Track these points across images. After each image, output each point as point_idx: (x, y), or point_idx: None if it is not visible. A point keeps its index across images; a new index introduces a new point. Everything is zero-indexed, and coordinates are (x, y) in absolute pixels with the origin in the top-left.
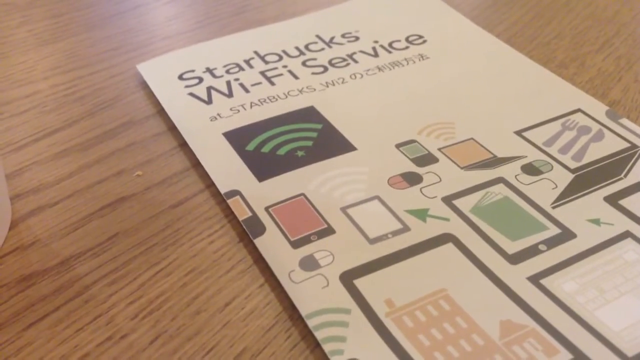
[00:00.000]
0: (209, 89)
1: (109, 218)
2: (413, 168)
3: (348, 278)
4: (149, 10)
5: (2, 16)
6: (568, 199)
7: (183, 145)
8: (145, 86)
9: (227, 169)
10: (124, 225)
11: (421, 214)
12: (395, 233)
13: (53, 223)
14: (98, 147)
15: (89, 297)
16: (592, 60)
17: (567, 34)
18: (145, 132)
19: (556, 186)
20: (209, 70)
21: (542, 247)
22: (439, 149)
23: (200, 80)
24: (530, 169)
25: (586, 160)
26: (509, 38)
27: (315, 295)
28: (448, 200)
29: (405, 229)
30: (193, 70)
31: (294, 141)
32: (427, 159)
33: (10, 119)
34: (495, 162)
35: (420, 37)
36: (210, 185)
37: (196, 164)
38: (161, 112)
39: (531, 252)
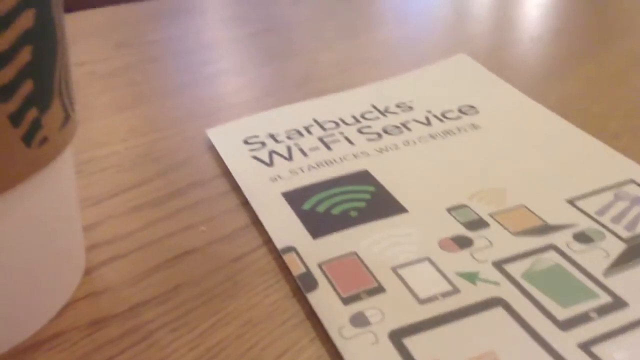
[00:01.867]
0: (270, 152)
1: (175, 269)
2: (464, 232)
3: (397, 336)
4: (220, 80)
5: (86, 84)
6: (620, 268)
7: (245, 203)
8: (213, 149)
9: (284, 227)
10: (188, 277)
11: (471, 277)
12: (445, 294)
13: (123, 272)
14: (168, 204)
15: (152, 342)
16: None
17: (620, 107)
18: (211, 191)
19: (608, 255)
20: (271, 136)
21: (593, 314)
22: (490, 215)
23: (263, 144)
24: (582, 237)
25: (639, 230)
26: (561, 109)
27: (365, 351)
28: (498, 264)
29: (455, 291)
30: (257, 136)
31: (347, 202)
32: (478, 224)
33: (90, 176)
34: (546, 229)
35: (473, 107)
36: (268, 241)
37: (256, 221)
38: (226, 173)
39: (582, 319)
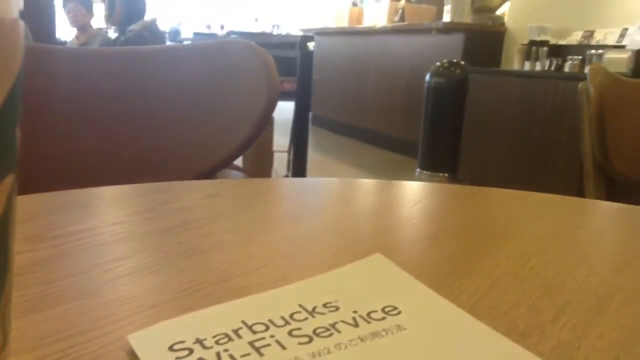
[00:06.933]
0: None
1: None
2: None
3: None
4: (136, 278)
5: None
6: None
7: None
8: (136, 357)
9: None
10: None
11: None
12: None
13: None
14: None
15: None
16: (551, 329)
17: (523, 304)
18: None
19: None
20: (199, 341)
21: None
22: None
23: (191, 351)
24: None
25: None
26: (471, 307)
27: None
28: None
29: None
30: (183, 341)
31: None
32: None
33: None
34: None
35: (395, 308)
36: None
37: None
38: None
39: None
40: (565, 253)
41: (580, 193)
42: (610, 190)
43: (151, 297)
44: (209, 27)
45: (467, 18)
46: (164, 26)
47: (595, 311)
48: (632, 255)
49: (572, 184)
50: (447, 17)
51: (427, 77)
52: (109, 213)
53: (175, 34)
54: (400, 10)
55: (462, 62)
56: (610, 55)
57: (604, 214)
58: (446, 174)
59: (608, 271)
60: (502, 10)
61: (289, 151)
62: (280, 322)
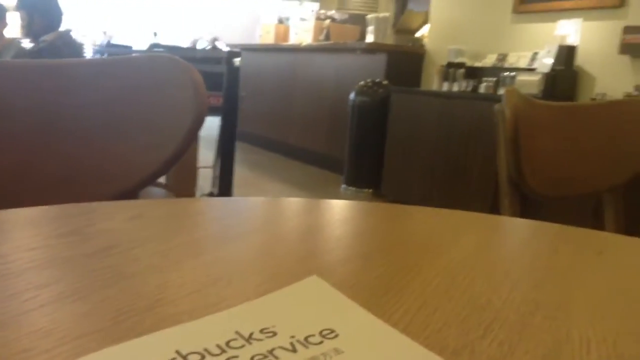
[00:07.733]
0: None
1: None
2: None
3: None
4: (59, 307)
5: None
6: None
7: None
8: None
9: None
10: None
11: None
12: None
13: None
14: None
15: None
16: (480, 347)
17: (453, 322)
18: None
19: None
20: None
21: None
22: None
23: None
24: None
25: None
26: (405, 327)
27: None
28: None
29: None
30: None
31: None
32: None
33: None
34: None
35: (332, 331)
36: None
37: None
38: None
39: None
40: (489, 270)
41: (494, 208)
42: (524, 206)
43: (76, 328)
44: (104, 33)
45: (390, 39)
46: (92, 39)
47: (520, 327)
48: (549, 270)
49: (486, 200)
50: (370, 38)
51: (352, 95)
52: (26, 237)
53: (102, 46)
54: (325, 30)
55: (385, 82)
56: (522, 77)
57: (521, 231)
58: (370, 190)
59: (529, 287)
60: (422, 33)
61: (214, 167)
62: (216, 351)
